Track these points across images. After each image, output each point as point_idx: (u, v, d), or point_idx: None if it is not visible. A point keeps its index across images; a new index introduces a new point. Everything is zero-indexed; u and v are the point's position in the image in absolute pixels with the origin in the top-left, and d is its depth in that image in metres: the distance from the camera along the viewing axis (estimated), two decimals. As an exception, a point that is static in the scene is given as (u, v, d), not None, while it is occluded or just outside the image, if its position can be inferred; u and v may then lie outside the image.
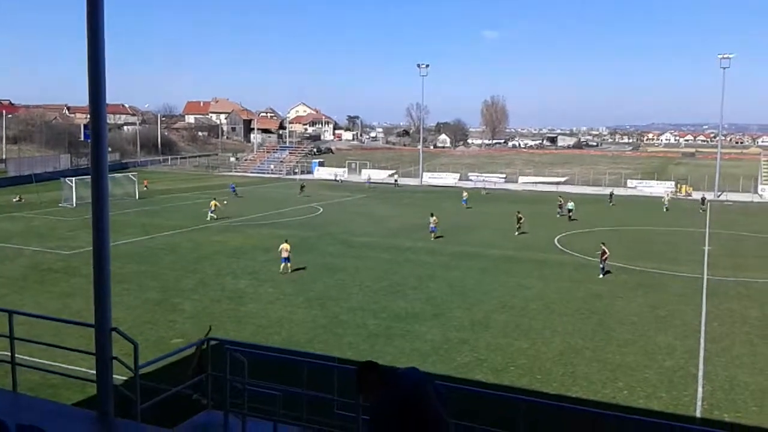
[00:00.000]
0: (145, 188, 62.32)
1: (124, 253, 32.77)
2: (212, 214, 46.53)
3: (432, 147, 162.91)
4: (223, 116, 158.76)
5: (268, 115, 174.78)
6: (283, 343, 20.11)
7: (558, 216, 50.98)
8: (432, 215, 40.58)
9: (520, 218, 42.45)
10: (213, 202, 47.88)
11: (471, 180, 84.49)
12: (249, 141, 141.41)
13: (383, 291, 27.10)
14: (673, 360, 19.52)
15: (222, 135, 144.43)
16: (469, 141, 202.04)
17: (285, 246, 29.72)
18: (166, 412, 8.67)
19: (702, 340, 21.33)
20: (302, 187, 65.74)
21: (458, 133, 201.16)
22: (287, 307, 24.33)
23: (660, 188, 75.84)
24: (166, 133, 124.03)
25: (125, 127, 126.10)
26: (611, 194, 63.41)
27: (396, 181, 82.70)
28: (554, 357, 19.58)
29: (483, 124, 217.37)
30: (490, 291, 27.40)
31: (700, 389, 17.39)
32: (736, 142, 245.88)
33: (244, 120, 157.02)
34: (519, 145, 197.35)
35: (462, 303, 25.44)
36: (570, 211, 49.36)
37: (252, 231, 42.03)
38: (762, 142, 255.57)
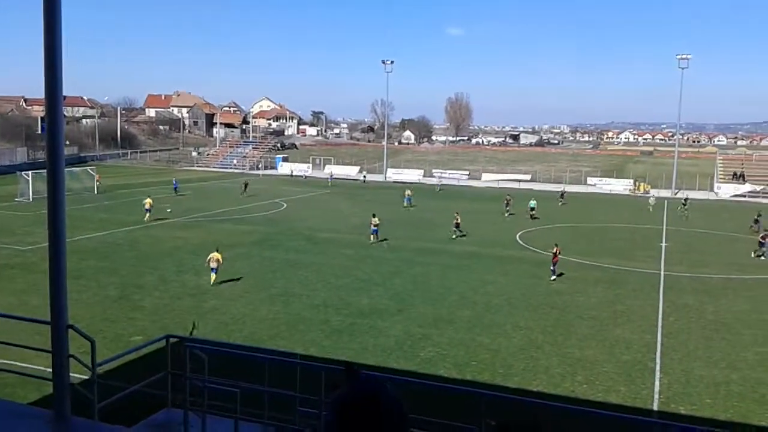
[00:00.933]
0: (97, 183, 60.55)
1: (82, 249, 32.08)
2: (149, 214, 42.29)
3: (396, 143, 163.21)
4: (185, 110, 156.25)
5: (231, 109, 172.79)
6: (245, 340, 19.94)
7: (506, 216, 49.73)
8: (374, 216, 37.74)
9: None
10: (148, 200, 43.26)
11: (434, 176, 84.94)
12: (211, 135, 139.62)
13: (347, 287, 27.08)
14: (631, 354, 19.94)
15: (184, 129, 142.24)
16: (434, 138, 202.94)
17: (215, 255, 26.43)
18: (125, 410, 8.54)
19: (659, 335, 21.82)
20: (245, 185, 60.18)
21: (423, 129, 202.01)
22: (250, 304, 24.13)
23: (619, 186, 77.36)
24: (126, 127, 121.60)
25: (84, 120, 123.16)
26: (563, 193, 62.20)
27: (365, 177, 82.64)
28: (515, 352, 19.82)
29: (447, 121, 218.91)
30: (453, 287, 27.60)
31: (657, 383, 17.78)
32: (693, 141, 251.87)
33: (206, 114, 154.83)
34: (482, 142, 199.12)
35: (425, 299, 25.57)
36: (532, 209, 48.81)
37: (214, 227, 41.59)
38: (718, 141, 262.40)
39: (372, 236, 36.65)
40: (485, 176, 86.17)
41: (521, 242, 38.79)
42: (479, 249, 36.32)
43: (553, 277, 29.13)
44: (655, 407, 16.27)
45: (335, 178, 79.21)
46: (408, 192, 57.76)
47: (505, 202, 52.37)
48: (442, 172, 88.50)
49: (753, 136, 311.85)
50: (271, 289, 26.28)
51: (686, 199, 56.01)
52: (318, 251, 34.10)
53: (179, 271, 29.15)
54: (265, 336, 20.57)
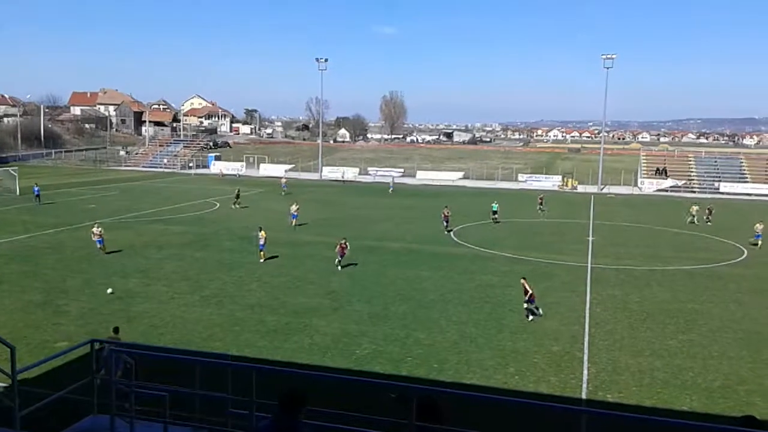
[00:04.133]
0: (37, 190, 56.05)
1: (3, 253, 30.80)
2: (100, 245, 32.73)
3: (332, 141, 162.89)
4: (112, 108, 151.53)
5: (161, 107, 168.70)
6: (176, 343, 19.51)
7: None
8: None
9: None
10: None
11: (370, 174, 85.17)
12: (140, 134, 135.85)
13: (282, 286, 26.86)
14: (561, 345, 20.53)
15: (111, 128, 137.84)
16: (369, 136, 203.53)
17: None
18: (49, 418, 8.26)
19: (587, 325, 22.54)
20: (237, 195, 52.58)
21: (358, 127, 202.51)
22: (181, 306, 23.62)
23: (548, 182, 79.41)
24: (50, 126, 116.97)
25: (5, 119, 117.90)
26: (542, 200, 54.30)
27: (343, 176, 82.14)
28: (450, 346, 20.11)
29: (382, 119, 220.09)
30: (390, 283, 27.76)
31: (585, 372, 18.36)
32: (618, 138, 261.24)
33: (134, 112, 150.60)
34: (417, 140, 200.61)
35: (362, 296, 25.63)
36: (495, 212, 46.89)
37: (144, 228, 40.51)
38: (642, 138, 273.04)
39: (261, 252, 31.76)
40: (420, 174, 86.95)
41: (455, 239, 39.33)
42: (416, 246, 36.64)
43: (530, 318, 23.05)
44: (584, 396, 16.80)
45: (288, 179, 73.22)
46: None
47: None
48: (377, 170, 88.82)
49: (674, 133, 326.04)
50: (204, 291, 25.80)
51: (710, 210, 49.14)
52: (252, 251, 33.63)
53: (106, 273, 28.23)
54: (198, 338, 20.18)
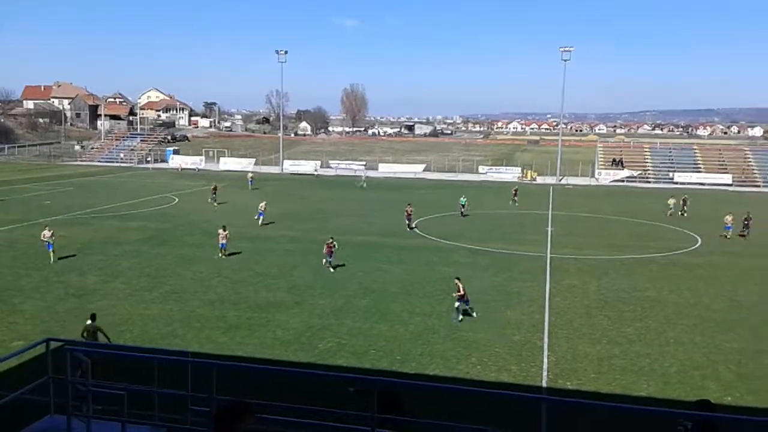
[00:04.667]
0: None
1: (-48, 252, 29.74)
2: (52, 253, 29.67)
3: (293, 135, 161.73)
4: (66, 102, 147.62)
5: (117, 100, 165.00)
6: (135, 340, 19.21)
7: (407, 227, 48.46)
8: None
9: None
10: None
11: (332, 167, 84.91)
12: (96, 128, 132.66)
13: (244, 281, 26.63)
14: (521, 334, 20.83)
15: (66, 122, 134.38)
16: (330, 129, 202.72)
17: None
18: (5, 419, 8.06)
19: (546, 314, 22.91)
20: (214, 190, 50.98)
21: (319, 120, 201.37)
22: (140, 303, 23.25)
23: (508, 174, 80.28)
24: (2, 120, 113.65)
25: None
26: (515, 191, 55.41)
27: (316, 171, 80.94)
28: (412, 338, 20.22)
29: (343, 112, 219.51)
30: (352, 277, 27.74)
31: (545, 360, 18.68)
32: (576, 130, 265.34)
33: (90, 106, 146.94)
34: (378, 133, 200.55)
35: (324, 290, 25.58)
36: (463, 206, 46.56)
37: (101, 224, 39.69)
38: (599, 130, 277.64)
39: (220, 251, 31.03)
40: (382, 167, 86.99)
41: (418, 231, 39.49)
42: (379, 239, 36.69)
43: (459, 318, 22.25)
44: (544, 384, 17.09)
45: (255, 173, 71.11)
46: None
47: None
48: (339, 163, 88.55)
49: (630, 125, 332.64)
50: (164, 287, 25.42)
51: (747, 221, 41.61)
52: (213, 246, 33.19)
53: (63, 271, 27.62)
54: (157, 335, 19.90)
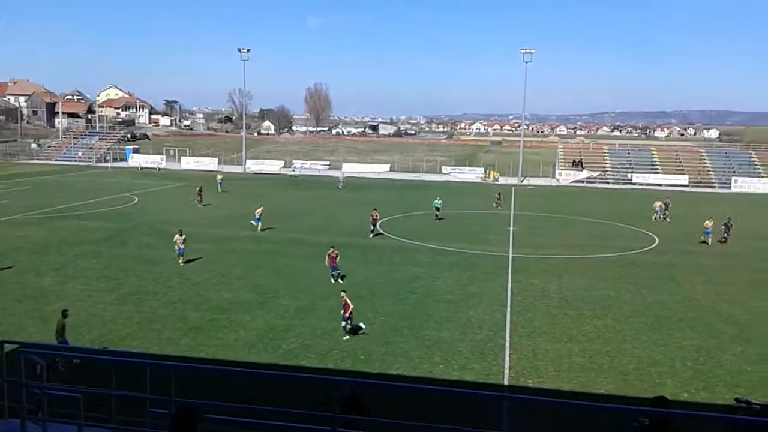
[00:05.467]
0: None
1: None
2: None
3: (256, 134, 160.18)
4: (22, 99, 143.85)
5: (75, 98, 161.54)
6: (93, 342, 18.82)
7: (371, 233, 48.07)
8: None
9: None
10: None
11: (296, 167, 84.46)
12: (53, 126, 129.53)
13: (206, 282, 26.30)
14: (484, 333, 21.00)
15: (22, 119, 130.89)
16: (294, 128, 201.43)
17: None
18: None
19: (508, 313, 23.15)
20: (200, 192, 49.96)
21: (282, 120, 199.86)
22: (99, 305, 22.78)
23: (471, 174, 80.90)
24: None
25: None
26: (499, 195, 54.92)
27: (293, 171, 80.00)
28: (376, 337, 20.21)
29: (307, 112, 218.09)
30: (317, 277, 27.57)
31: (507, 358, 18.87)
32: (538, 132, 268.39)
33: (47, 103, 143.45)
34: (342, 132, 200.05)
35: (288, 290, 25.42)
36: (437, 209, 45.63)
37: (58, 224, 38.77)
38: (559, 131, 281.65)
39: (180, 257, 29.46)
40: (346, 166, 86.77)
41: (382, 231, 39.49)
42: (344, 239, 36.49)
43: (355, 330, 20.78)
44: (506, 382, 17.27)
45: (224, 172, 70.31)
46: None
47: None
48: (303, 163, 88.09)
49: (590, 126, 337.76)
50: (123, 288, 24.96)
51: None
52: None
53: (18, 272, 26.91)
54: (116, 337, 19.53)
